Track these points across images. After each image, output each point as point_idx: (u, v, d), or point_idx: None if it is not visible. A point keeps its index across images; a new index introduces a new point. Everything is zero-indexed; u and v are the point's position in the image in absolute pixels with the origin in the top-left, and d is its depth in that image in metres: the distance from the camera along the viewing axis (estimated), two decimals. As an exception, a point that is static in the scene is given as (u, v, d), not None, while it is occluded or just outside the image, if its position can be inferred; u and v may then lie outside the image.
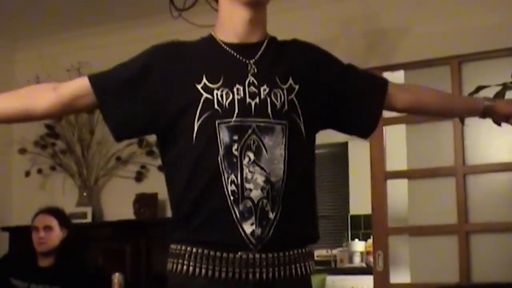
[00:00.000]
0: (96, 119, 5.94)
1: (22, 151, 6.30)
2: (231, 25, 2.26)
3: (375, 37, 4.82)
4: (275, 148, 2.16)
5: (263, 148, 2.15)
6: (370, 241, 7.18)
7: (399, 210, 5.26)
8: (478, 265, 4.75)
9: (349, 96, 2.34)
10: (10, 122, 2.36)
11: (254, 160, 2.14)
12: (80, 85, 2.27)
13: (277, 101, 2.19)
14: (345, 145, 8.45)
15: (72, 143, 6.17)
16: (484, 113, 2.43)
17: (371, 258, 6.46)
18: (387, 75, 4.56)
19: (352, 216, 8.44)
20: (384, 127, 5.02)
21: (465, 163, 4.83)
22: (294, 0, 4.62)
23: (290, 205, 2.17)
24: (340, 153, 8.48)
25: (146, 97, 2.21)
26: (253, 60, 2.23)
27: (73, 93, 2.26)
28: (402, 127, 5.10)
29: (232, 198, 2.13)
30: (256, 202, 2.14)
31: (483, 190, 4.80)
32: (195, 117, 2.15)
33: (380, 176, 5.09)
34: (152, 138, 5.66)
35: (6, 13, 5.80)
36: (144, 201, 5.74)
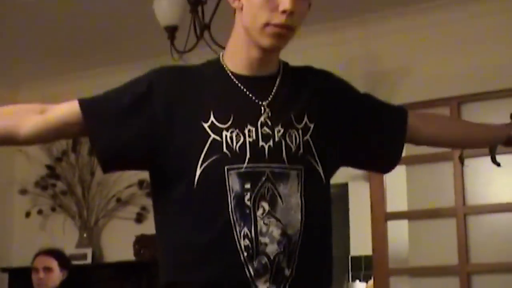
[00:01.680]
0: (96, 160, 5.94)
1: (23, 191, 6.31)
2: (246, 57, 2.02)
3: (375, 78, 4.85)
4: (291, 196, 1.93)
5: (278, 197, 1.92)
6: (371, 282, 7.13)
7: (400, 251, 5.25)
8: (479, 307, 4.73)
9: (368, 129, 2.15)
10: None
11: (269, 211, 1.90)
12: (69, 110, 2.00)
13: (292, 143, 1.97)
14: (345, 186, 8.42)
15: (73, 184, 6.18)
16: (508, 142, 2.35)
17: (372, 300, 6.43)
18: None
19: (352, 257, 8.40)
20: (384, 168, 5.02)
21: (466, 204, 4.83)
22: (297, 42, 4.66)
23: (306, 260, 1.94)
24: (340, 194, 8.44)
25: (143, 128, 1.96)
26: (267, 101, 2.00)
27: (62, 119, 1.99)
28: (402, 168, 5.10)
29: (245, 254, 1.88)
30: (272, 258, 1.89)
31: (484, 231, 4.79)
32: (198, 160, 1.91)
33: (381, 217, 5.08)
34: (152, 179, 5.70)
35: (10, 54, 5.83)
36: (144, 242, 5.73)
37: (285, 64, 2.12)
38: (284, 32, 1.96)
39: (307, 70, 2.16)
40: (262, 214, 1.90)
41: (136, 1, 4.80)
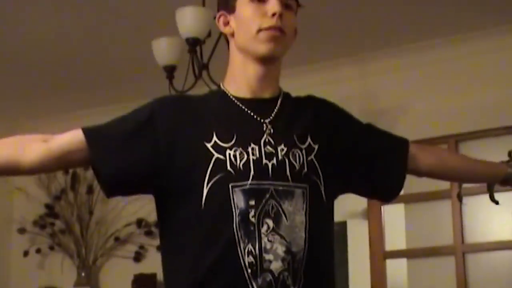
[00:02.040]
0: (94, 199, 5.97)
1: (22, 230, 6.30)
2: (244, 79, 2.08)
3: (373, 116, 4.85)
4: (296, 214, 1.95)
5: (283, 215, 1.94)
6: (370, 321, 7.10)
7: (399, 289, 5.23)
8: None
9: (370, 158, 2.19)
10: None
11: (273, 227, 1.92)
12: (73, 138, 2.02)
13: (296, 162, 2.00)
14: (344, 224, 8.40)
15: (71, 223, 6.17)
16: (506, 180, 2.37)
17: None
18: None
19: (352, 296, 8.36)
20: (382, 207, 5.03)
21: (464, 242, 4.83)
22: (293, 80, 4.69)
23: (311, 278, 1.95)
24: (339, 232, 8.42)
25: (146, 153, 1.99)
26: (269, 119, 2.05)
27: (66, 147, 2.01)
28: (400, 206, 5.10)
29: (249, 270, 1.89)
30: (276, 275, 1.90)
31: (483, 269, 4.78)
32: (204, 179, 1.93)
33: (380, 256, 5.07)
34: (150, 218, 5.72)
35: (10, 92, 5.86)
36: (143, 282, 5.71)
37: (287, 92, 2.18)
38: (278, 34, 2.04)
39: (309, 98, 2.22)
40: (267, 231, 1.92)
41: (135, 41, 4.83)
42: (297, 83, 4.51)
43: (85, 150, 2.01)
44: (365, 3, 4.49)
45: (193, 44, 3.86)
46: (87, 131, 2.03)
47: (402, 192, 2.27)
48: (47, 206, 6.22)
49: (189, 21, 3.80)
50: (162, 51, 4.04)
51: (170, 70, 4.04)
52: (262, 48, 2.04)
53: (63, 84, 5.72)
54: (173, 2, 3.90)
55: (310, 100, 2.21)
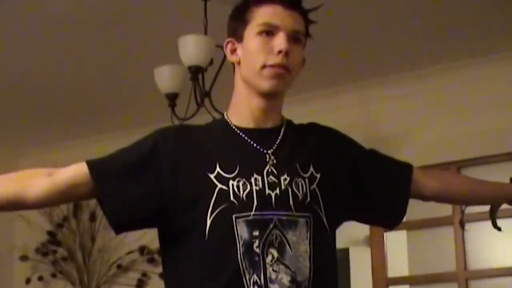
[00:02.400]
0: (97, 226, 5.96)
1: (24, 258, 6.30)
2: (247, 109, 2.08)
3: (375, 143, 4.82)
4: (299, 243, 1.95)
5: (287, 244, 1.93)
6: None
7: (402, 316, 5.21)
8: None
9: (373, 184, 2.18)
10: None
11: (278, 257, 1.92)
12: (77, 172, 2.02)
13: (299, 191, 1.99)
14: (346, 251, 8.39)
15: (74, 250, 6.16)
16: None
17: None
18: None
19: (354, 324, 8.32)
20: (384, 233, 5.03)
21: (467, 268, 4.82)
22: (295, 108, 4.70)
23: None
24: (342, 259, 8.39)
25: (150, 186, 1.99)
26: (271, 150, 2.04)
27: (70, 181, 2.01)
28: (402, 233, 5.10)
29: None
30: None
31: (486, 296, 4.78)
32: (207, 210, 1.94)
33: (382, 282, 5.06)
34: (153, 245, 5.71)
35: (10, 121, 5.87)
36: (145, 309, 5.71)
37: (289, 120, 2.17)
38: (282, 72, 2.03)
39: (312, 125, 2.21)
40: (271, 261, 1.92)
41: (137, 69, 4.85)
42: (299, 110, 4.52)
43: (90, 183, 2.01)
44: (367, 30, 4.51)
45: (195, 72, 3.87)
46: (91, 164, 2.03)
47: (404, 219, 2.27)
48: (50, 233, 6.22)
49: (191, 49, 3.81)
50: (164, 79, 4.05)
51: (172, 98, 4.05)
52: (265, 84, 2.03)
53: (67, 112, 5.74)
54: (175, 30, 3.92)
55: (313, 128, 2.20)
